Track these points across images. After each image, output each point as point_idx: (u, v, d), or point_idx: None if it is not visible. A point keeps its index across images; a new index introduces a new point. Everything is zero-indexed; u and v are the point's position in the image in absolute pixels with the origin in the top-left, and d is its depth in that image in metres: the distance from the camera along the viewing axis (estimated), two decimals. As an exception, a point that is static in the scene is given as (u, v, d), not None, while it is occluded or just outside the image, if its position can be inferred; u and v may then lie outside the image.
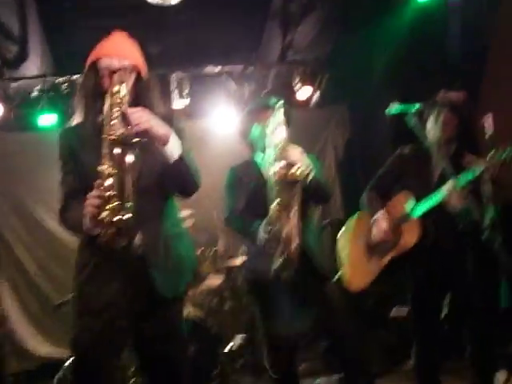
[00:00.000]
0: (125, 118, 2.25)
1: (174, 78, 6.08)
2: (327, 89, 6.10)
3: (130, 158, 2.23)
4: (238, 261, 5.10)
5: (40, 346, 5.69)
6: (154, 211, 2.46)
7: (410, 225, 3.29)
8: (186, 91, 6.08)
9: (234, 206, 3.26)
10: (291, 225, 2.87)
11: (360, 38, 5.38)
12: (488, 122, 2.97)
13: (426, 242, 3.23)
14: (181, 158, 2.37)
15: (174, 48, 6.86)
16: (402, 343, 4.35)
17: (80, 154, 2.46)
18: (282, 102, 2.99)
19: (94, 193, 2.17)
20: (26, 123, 6.12)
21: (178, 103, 6.09)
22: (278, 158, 2.88)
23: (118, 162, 2.20)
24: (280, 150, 2.89)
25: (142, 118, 2.27)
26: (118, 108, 2.26)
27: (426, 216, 3.22)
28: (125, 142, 2.22)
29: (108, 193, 2.16)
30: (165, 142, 2.33)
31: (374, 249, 3.46)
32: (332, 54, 5.93)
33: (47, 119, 5.87)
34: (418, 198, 3.27)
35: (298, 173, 2.81)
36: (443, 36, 4.91)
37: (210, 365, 4.67)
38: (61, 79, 6.09)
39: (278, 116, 2.95)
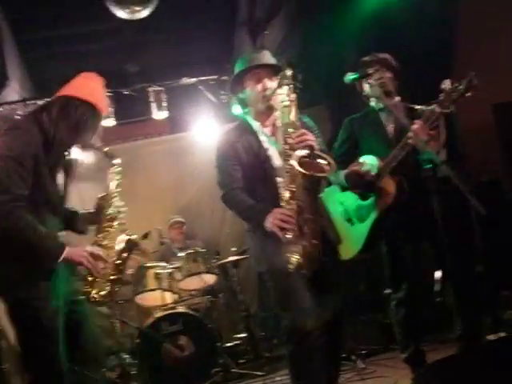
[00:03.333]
0: None
1: (151, 91, 6.22)
2: (303, 90, 6.25)
3: None
4: (231, 258, 5.23)
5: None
6: None
7: (384, 182, 3.27)
8: (164, 104, 6.23)
9: (229, 181, 2.99)
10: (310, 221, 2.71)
11: (327, 36, 5.55)
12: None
13: (401, 197, 3.24)
14: None
15: (151, 66, 7.07)
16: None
17: None
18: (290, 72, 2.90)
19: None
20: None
21: (158, 115, 6.25)
22: (293, 145, 2.72)
23: None
24: (292, 134, 2.75)
25: None
26: None
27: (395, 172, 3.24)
28: None
29: None
30: None
31: (350, 214, 3.48)
32: (303, 55, 6.10)
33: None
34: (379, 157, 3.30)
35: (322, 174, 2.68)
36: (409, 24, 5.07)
37: (210, 362, 4.77)
38: (41, 102, 6.18)
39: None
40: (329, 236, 3.03)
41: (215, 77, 6.33)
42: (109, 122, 6.15)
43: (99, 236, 2.95)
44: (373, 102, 3.54)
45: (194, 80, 6.32)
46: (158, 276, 5.00)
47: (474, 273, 3.73)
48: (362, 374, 3.94)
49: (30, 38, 6.52)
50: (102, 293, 2.86)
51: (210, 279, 5.21)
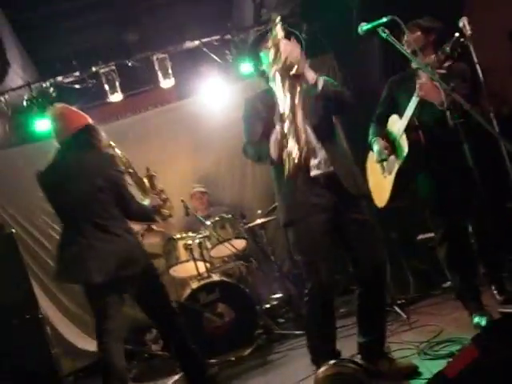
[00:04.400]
0: None
1: (155, 59, 6.10)
2: (310, 40, 6.12)
3: None
4: (258, 220, 5.23)
5: (87, 344, 5.81)
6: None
7: (401, 140, 3.62)
8: (169, 70, 6.11)
9: (250, 135, 3.22)
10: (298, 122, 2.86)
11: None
12: (464, 23, 3.06)
13: (418, 147, 3.52)
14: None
15: (151, 33, 6.91)
16: (433, 268, 4.45)
17: None
18: (278, 17, 2.97)
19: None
20: (24, 134, 6.17)
21: (164, 83, 6.14)
22: (276, 57, 2.91)
23: None
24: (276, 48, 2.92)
25: None
26: None
27: (412, 127, 3.54)
28: None
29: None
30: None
31: (384, 168, 3.87)
32: (306, 4, 5.93)
33: (43, 125, 5.91)
34: None
35: (287, 62, 2.86)
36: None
37: (251, 325, 4.83)
38: (46, 84, 6.11)
39: (277, 32, 2.93)
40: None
41: (218, 37, 6.20)
42: (116, 97, 6.07)
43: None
44: (413, 63, 3.67)
45: (197, 42, 6.20)
46: (188, 247, 5.02)
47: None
48: (405, 324, 3.95)
49: (25, 17, 6.36)
50: None
51: (239, 244, 5.22)
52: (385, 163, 3.83)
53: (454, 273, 3.63)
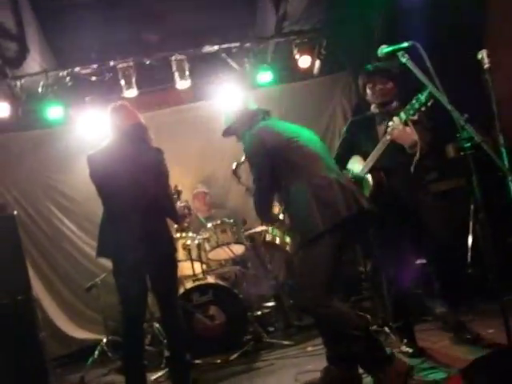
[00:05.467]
0: None
1: (174, 60, 6.15)
2: (328, 56, 6.18)
3: None
4: (259, 228, 5.25)
5: (75, 331, 5.83)
6: None
7: (364, 181, 3.78)
8: (187, 72, 6.16)
9: None
10: None
11: (354, 1, 5.43)
12: (483, 56, 3.09)
13: (381, 188, 3.69)
14: None
15: (173, 34, 6.95)
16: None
17: None
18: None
19: None
20: (36, 120, 6.22)
21: (180, 85, 6.19)
22: None
23: None
24: None
25: None
26: None
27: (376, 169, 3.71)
28: None
29: None
30: None
31: None
32: (327, 21, 5.99)
33: (55, 112, 5.97)
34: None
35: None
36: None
37: (241, 330, 4.84)
38: (63, 73, 6.17)
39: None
40: None
41: (238, 44, 6.25)
42: (131, 93, 6.11)
43: None
44: (372, 106, 3.95)
45: (216, 48, 6.25)
46: (186, 247, 5.04)
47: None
48: (395, 346, 3.93)
49: (49, 4, 6.42)
50: None
51: (238, 249, 5.26)
52: None
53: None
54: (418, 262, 4.91)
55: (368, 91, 3.90)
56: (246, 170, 3.65)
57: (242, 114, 3.64)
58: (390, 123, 3.56)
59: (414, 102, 3.36)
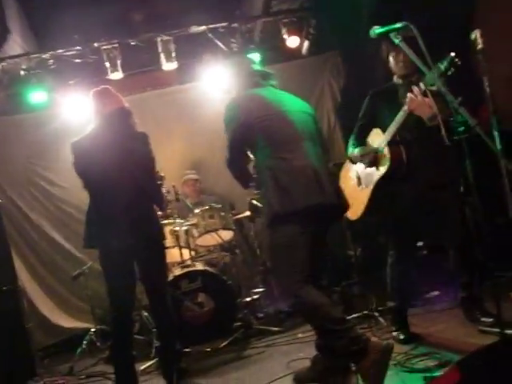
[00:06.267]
0: None
1: (159, 41, 6.00)
2: (317, 36, 6.05)
3: None
4: (247, 213, 5.17)
5: (62, 320, 5.77)
6: None
7: (382, 155, 3.66)
8: (173, 54, 6.02)
9: None
10: None
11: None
12: (476, 36, 2.99)
13: (399, 162, 3.56)
14: None
15: (157, 14, 6.80)
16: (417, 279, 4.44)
17: None
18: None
19: None
20: (19, 104, 6.08)
21: (167, 66, 6.05)
22: None
23: None
24: None
25: None
26: None
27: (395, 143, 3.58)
28: None
29: None
30: None
31: (361, 181, 3.91)
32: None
33: (39, 96, 5.83)
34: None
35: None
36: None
37: (230, 317, 4.79)
38: (46, 55, 6.01)
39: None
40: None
41: (225, 24, 6.11)
42: (116, 75, 5.97)
43: None
44: (394, 77, 3.78)
45: (203, 28, 6.09)
46: (174, 233, 4.96)
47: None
48: (385, 332, 3.90)
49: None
50: None
51: (226, 235, 5.19)
52: (362, 175, 3.87)
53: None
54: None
55: (391, 59, 3.72)
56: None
57: (240, 71, 3.49)
58: (408, 94, 3.41)
59: (433, 71, 3.13)
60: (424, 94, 3.33)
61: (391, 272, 3.79)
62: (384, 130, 3.63)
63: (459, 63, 3.08)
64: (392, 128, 3.55)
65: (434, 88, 3.26)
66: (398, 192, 3.64)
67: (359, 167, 3.88)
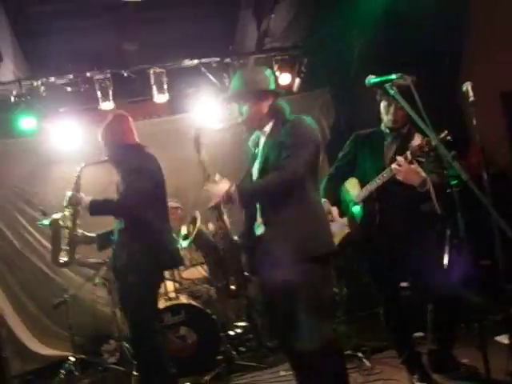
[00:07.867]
0: None
1: (152, 73, 6.05)
2: (308, 74, 6.13)
3: None
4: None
5: (41, 348, 5.66)
6: None
7: (357, 207, 3.61)
8: (165, 86, 6.07)
9: None
10: None
11: (335, 19, 5.41)
12: (467, 88, 3.04)
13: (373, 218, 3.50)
14: None
15: (151, 44, 6.86)
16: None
17: None
18: None
19: None
20: (7, 129, 6.05)
21: (158, 98, 6.09)
22: None
23: None
24: None
25: None
26: None
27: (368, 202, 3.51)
28: None
29: None
30: None
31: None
32: (309, 39, 5.96)
33: (28, 123, 5.83)
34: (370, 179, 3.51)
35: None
36: (418, 13, 4.94)
37: (214, 350, 4.73)
38: (37, 82, 6.01)
39: None
40: None
41: (218, 59, 6.18)
42: (108, 106, 5.98)
43: None
44: (382, 125, 3.64)
45: (195, 62, 6.16)
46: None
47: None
48: (370, 374, 3.88)
49: (23, 13, 6.28)
50: None
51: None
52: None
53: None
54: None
55: (382, 108, 3.59)
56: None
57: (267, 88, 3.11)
58: (393, 165, 3.32)
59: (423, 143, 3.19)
60: (409, 162, 3.27)
61: (387, 323, 3.75)
62: (361, 176, 3.58)
63: (451, 140, 3.10)
64: (373, 185, 3.47)
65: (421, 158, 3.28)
66: (371, 237, 3.55)
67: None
